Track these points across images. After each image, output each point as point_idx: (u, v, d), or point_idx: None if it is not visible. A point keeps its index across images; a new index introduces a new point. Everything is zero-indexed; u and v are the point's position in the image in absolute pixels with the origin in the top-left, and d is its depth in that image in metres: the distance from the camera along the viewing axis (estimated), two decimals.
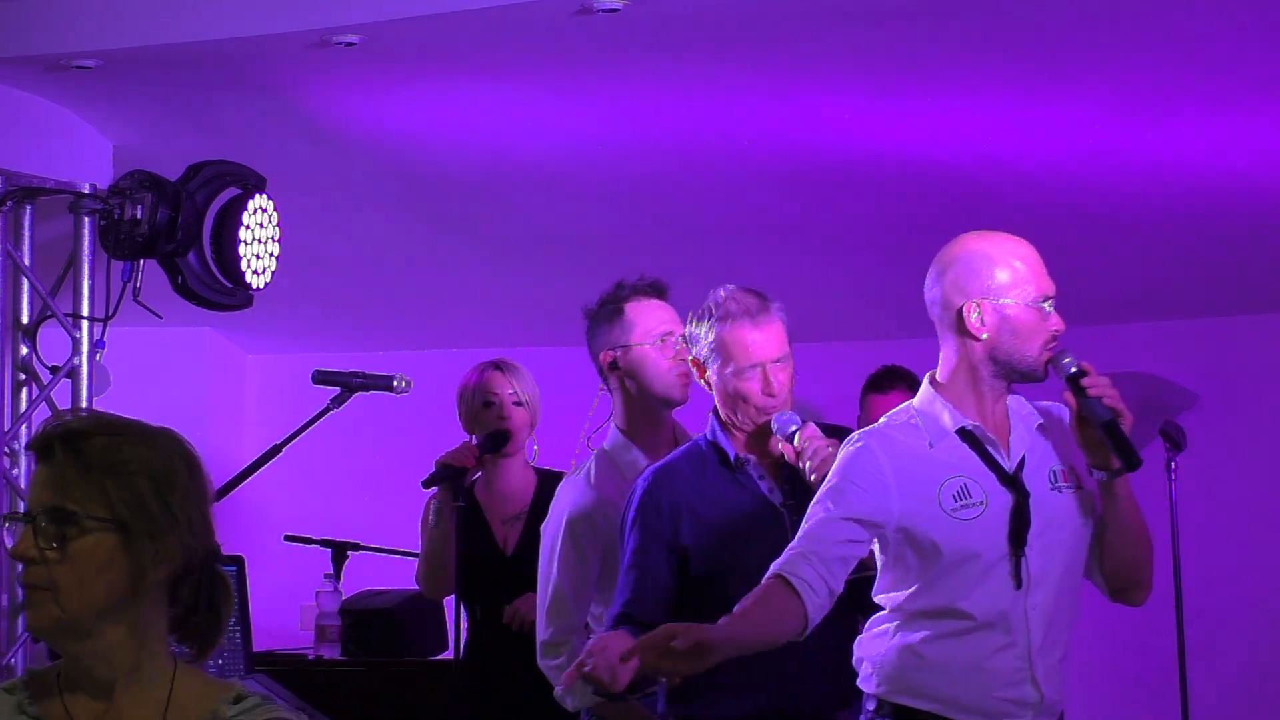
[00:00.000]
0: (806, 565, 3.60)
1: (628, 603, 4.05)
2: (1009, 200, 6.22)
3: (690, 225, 6.72)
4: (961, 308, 3.71)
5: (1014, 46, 5.01)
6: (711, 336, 4.11)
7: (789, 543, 3.69)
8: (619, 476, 4.44)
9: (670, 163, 6.08)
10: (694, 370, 4.19)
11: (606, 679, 3.58)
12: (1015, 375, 3.73)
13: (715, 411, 4.19)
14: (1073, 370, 3.64)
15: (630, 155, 6.02)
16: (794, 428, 4.08)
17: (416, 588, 5.56)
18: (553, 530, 4.49)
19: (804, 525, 3.69)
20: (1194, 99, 5.38)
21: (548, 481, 5.28)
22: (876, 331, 7.20)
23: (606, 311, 4.51)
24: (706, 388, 4.18)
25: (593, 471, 4.48)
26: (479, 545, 5.20)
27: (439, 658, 6.16)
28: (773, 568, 3.62)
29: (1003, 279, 3.70)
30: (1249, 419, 7.55)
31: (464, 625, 5.21)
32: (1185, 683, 6.68)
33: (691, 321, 4.17)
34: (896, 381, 5.96)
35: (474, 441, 5.23)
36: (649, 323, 4.46)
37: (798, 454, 4.04)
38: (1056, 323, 3.71)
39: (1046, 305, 3.71)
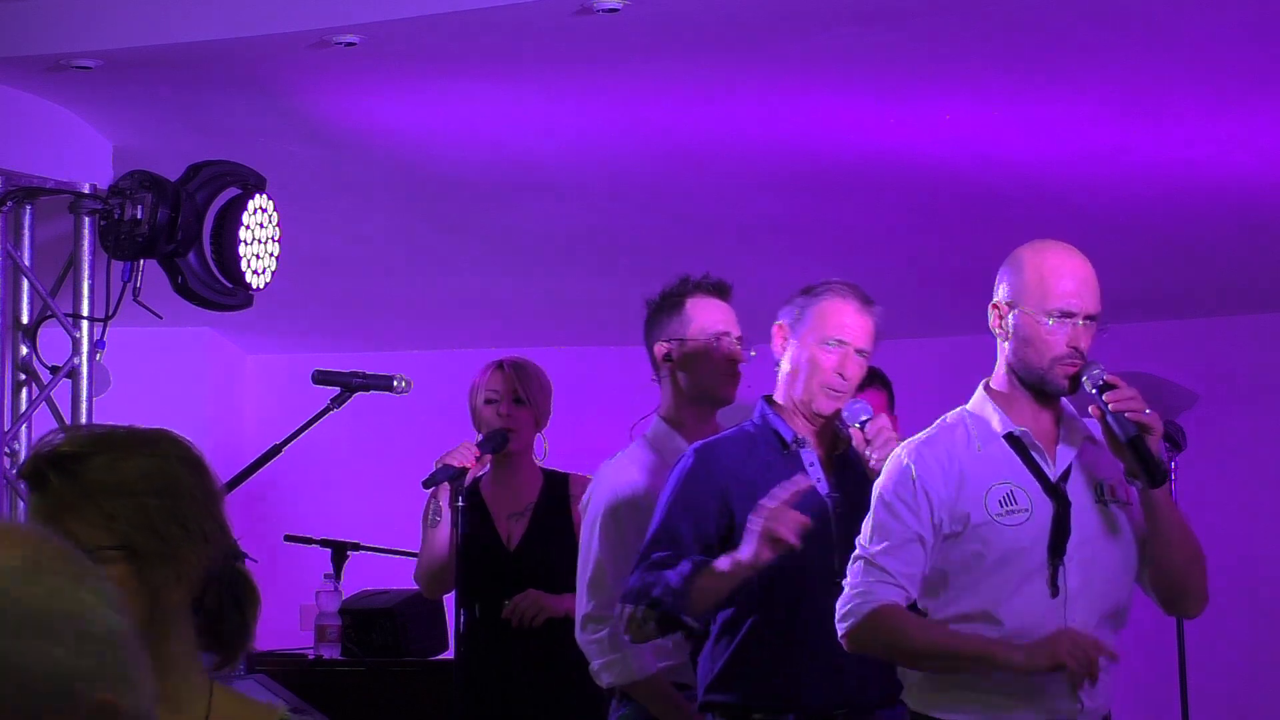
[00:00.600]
0: (897, 594, 3.65)
1: (656, 542, 4.08)
2: (1009, 200, 6.22)
3: (691, 225, 6.72)
4: (990, 309, 3.74)
5: (1014, 46, 5.01)
6: (813, 302, 4.14)
7: (829, 534, 3.74)
8: (661, 461, 4.50)
9: (670, 163, 6.08)
10: (777, 334, 4.19)
11: (787, 534, 3.76)
12: (1034, 385, 3.71)
13: (768, 399, 4.21)
14: (1098, 385, 3.63)
15: (631, 156, 6.02)
16: (865, 416, 4.12)
17: (417, 587, 5.56)
18: (594, 509, 4.56)
19: (872, 542, 3.69)
20: (1194, 99, 5.38)
21: (554, 482, 5.30)
22: (878, 331, 7.19)
23: (668, 304, 4.59)
24: (781, 352, 4.16)
25: (637, 454, 4.55)
26: (482, 540, 5.21)
27: (439, 658, 6.16)
28: (867, 602, 3.65)
29: (1021, 286, 3.70)
30: (1249, 419, 7.55)
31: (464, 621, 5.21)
32: (1185, 682, 6.68)
33: (796, 295, 4.20)
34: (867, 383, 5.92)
35: (474, 441, 5.24)
36: (707, 320, 4.54)
37: (867, 442, 4.06)
38: (1073, 339, 3.66)
39: (1055, 319, 3.66)
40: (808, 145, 5.86)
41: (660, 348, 4.57)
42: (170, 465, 2.18)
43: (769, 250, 6.76)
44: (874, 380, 5.96)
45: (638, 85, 5.39)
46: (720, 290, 4.61)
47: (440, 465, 5.06)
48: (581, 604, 4.56)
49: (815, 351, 4.13)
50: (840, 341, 4.13)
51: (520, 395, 5.30)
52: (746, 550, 3.91)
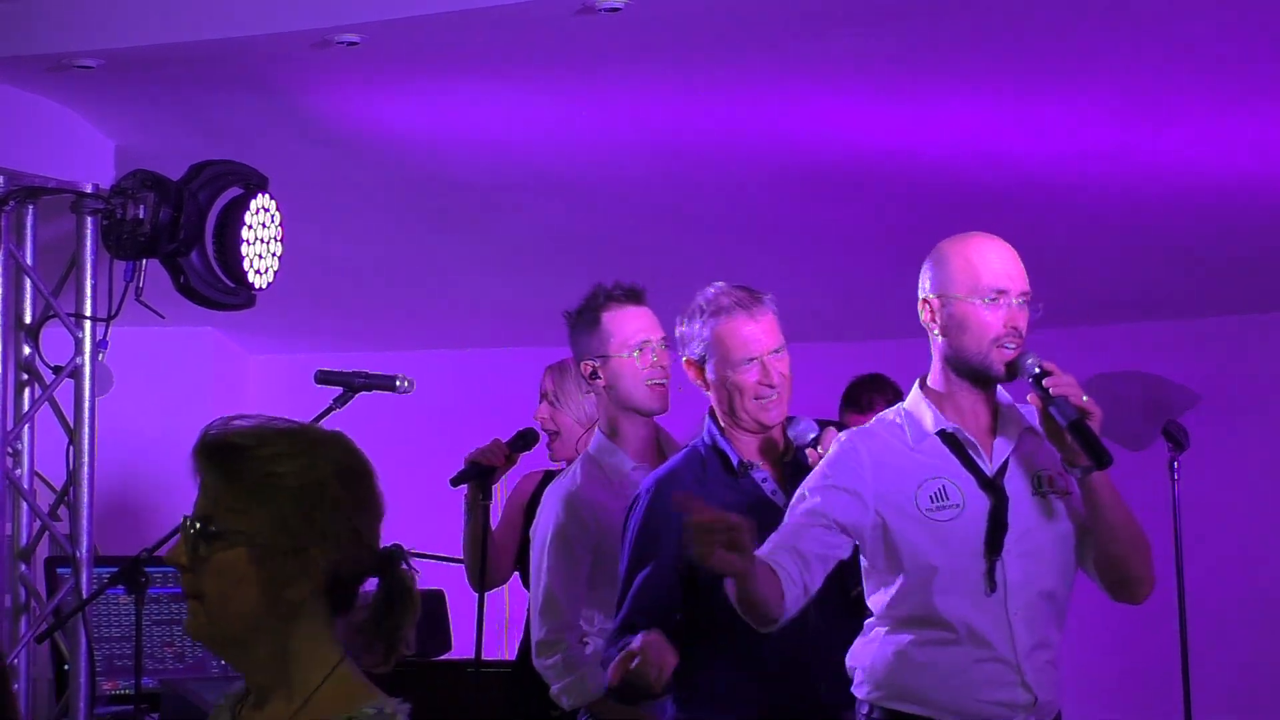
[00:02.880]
0: (788, 557, 3.63)
1: (632, 613, 4.04)
2: (1009, 200, 6.23)
3: (693, 226, 6.72)
4: (919, 304, 3.73)
5: (1014, 47, 5.02)
6: (706, 333, 4.09)
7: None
8: (604, 478, 4.47)
9: (671, 162, 6.08)
10: (689, 371, 4.16)
11: (654, 677, 3.65)
12: (972, 374, 3.71)
13: (712, 414, 4.18)
14: (1035, 371, 3.62)
15: (632, 155, 6.02)
16: (813, 435, 4.10)
17: (419, 588, 5.55)
18: (542, 532, 4.53)
19: (788, 516, 3.71)
20: (1194, 99, 5.38)
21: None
22: (877, 332, 7.20)
23: (584, 320, 4.52)
24: (703, 387, 4.16)
25: (579, 473, 4.51)
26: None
27: (440, 658, 6.16)
28: (758, 554, 3.62)
29: (951, 274, 3.69)
30: (1251, 418, 7.55)
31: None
32: (1188, 681, 6.68)
33: (682, 322, 4.15)
34: (875, 398, 5.89)
35: (504, 440, 5.22)
36: (625, 332, 4.46)
37: (822, 457, 4.04)
38: (1009, 319, 3.67)
39: (991, 299, 3.66)
40: (808, 145, 5.86)
41: (585, 366, 4.52)
42: (321, 473, 2.31)
43: (768, 249, 6.77)
44: (883, 389, 5.95)
45: (639, 85, 5.40)
46: (634, 296, 4.51)
47: (469, 463, 5.06)
48: (535, 630, 4.53)
49: (734, 378, 4.09)
50: (751, 358, 4.10)
51: (552, 397, 5.25)
52: (607, 674, 3.88)
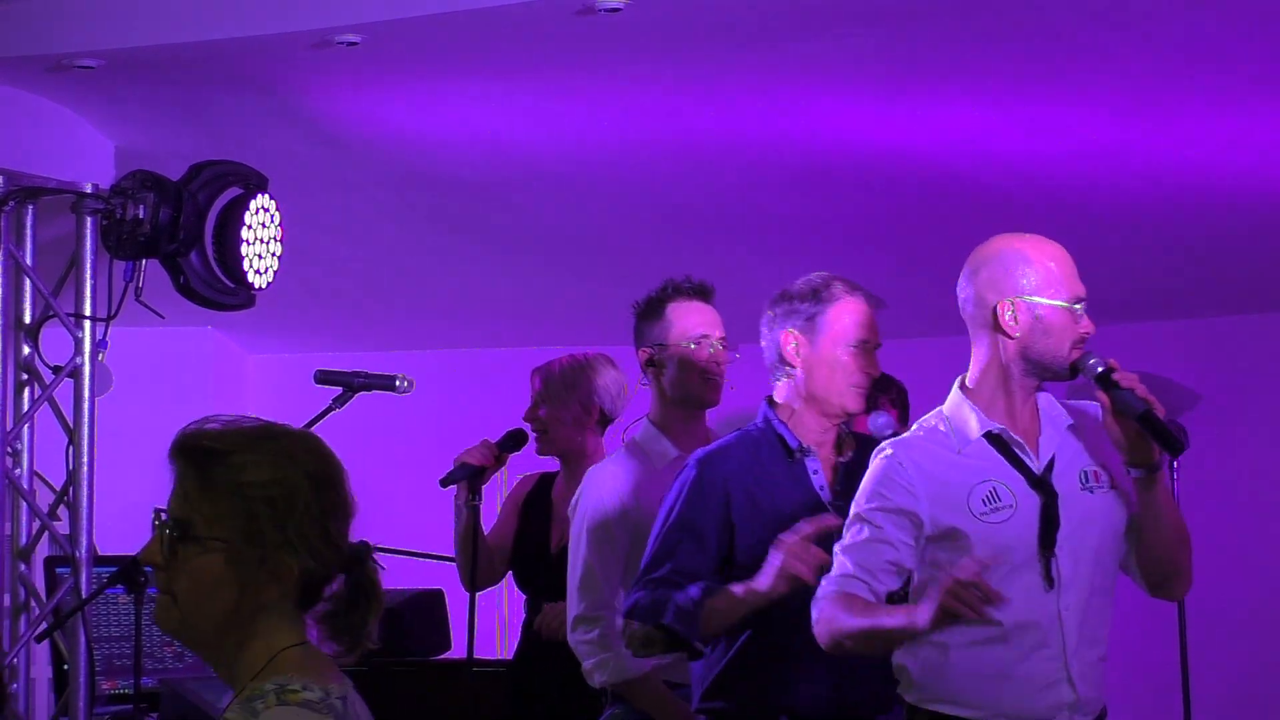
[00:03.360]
0: (861, 586, 3.66)
1: (673, 572, 4.07)
2: (1010, 200, 6.23)
3: (692, 225, 6.72)
4: (996, 306, 3.73)
5: (1015, 46, 5.02)
6: (827, 307, 4.14)
7: (832, 542, 3.74)
8: (648, 464, 4.52)
9: (672, 162, 6.08)
10: (785, 340, 4.16)
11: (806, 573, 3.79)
12: (1046, 374, 3.76)
13: (771, 401, 4.21)
14: (1100, 369, 3.66)
15: (632, 155, 6.02)
16: (890, 431, 4.15)
17: (418, 587, 5.57)
18: (582, 513, 4.57)
19: (846, 540, 3.72)
20: (1195, 99, 5.38)
21: None
22: (878, 331, 7.20)
23: (649, 310, 4.60)
24: (790, 358, 4.16)
25: (622, 458, 4.56)
26: (535, 542, 5.22)
27: (441, 658, 6.16)
28: (821, 599, 3.67)
29: (1037, 278, 3.72)
30: (1251, 419, 7.55)
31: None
32: (1187, 681, 6.68)
33: (784, 298, 4.18)
34: (879, 396, 5.89)
35: (493, 440, 5.24)
36: (687, 324, 4.53)
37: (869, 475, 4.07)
38: (1087, 325, 3.73)
39: (1078, 307, 3.72)
40: (808, 145, 5.86)
41: (643, 353, 4.58)
42: (293, 478, 2.35)
43: (769, 249, 6.77)
44: (887, 388, 5.96)
45: (639, 85, 5.39)
46: (701, 292, 4.60)
47: (459, 464, 5.07)
48: (572, 606, 4.57)
49: (840, 353, 4.14)
50: (863, 341, 4.15)
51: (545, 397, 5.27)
52: (763, 581, 3.95)
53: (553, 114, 5.66)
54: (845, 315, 4.15)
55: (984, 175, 6.08)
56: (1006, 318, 3.73)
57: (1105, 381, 3.66)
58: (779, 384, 4.22)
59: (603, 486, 4.55)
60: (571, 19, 4.70)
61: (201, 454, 2.35)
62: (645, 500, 4.40)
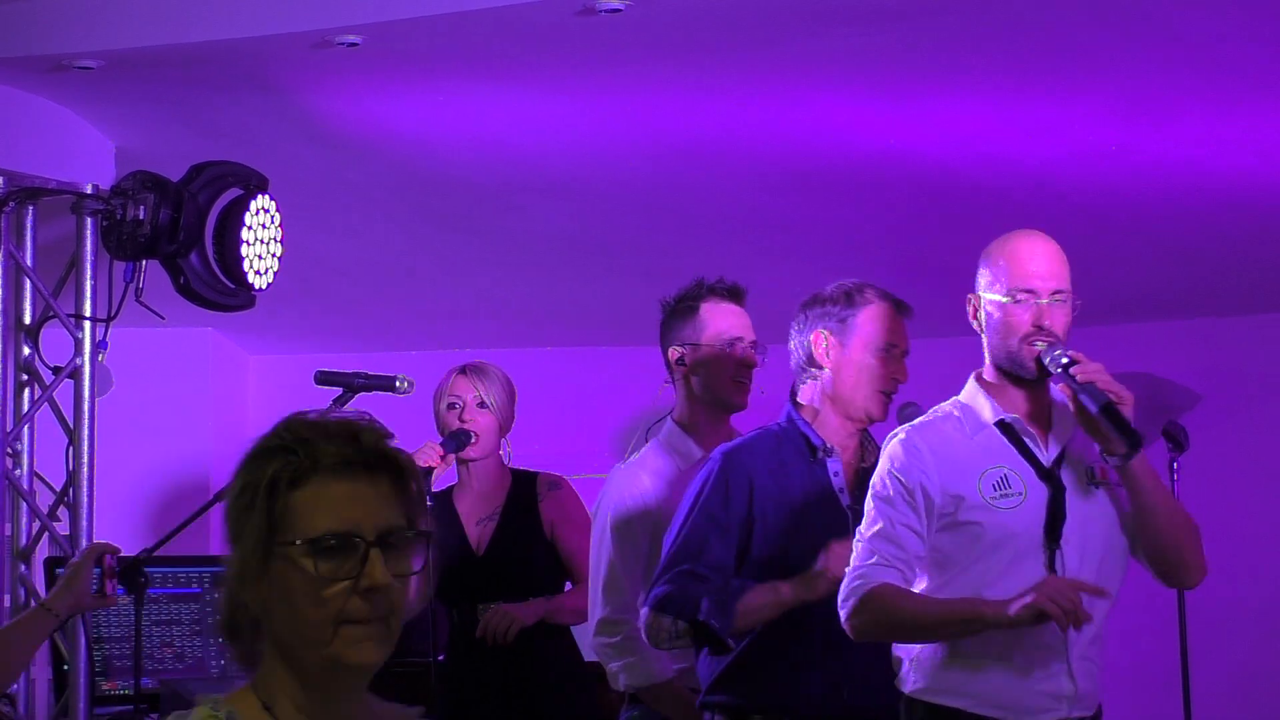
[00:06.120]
0: (896, 575, 3.68)
1: (698, 565, 4.10)
2: (1010, 200, 6.23)
3: (693, 226, 6.72)
4: (968, 304, 3.79)
5: (1015, 46, 5.01)
6: (859, 311, 4.18)
7: (848, 545, 3.77)
8: (673, 464, 4.52)
9: (671, 163, 6.08)
10: (816, 341, 4.19)
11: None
12: (1008, 370, 3.77)
13: (794, 400, 4.23)
14: (1062, 362, 3.67)
15: (632, 156, 6.02)
16: (920, 418, 4.16)
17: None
18: (605, 512, 4.58)
19: (868, 529, 3.73)
20: (1195, 99, 5.38)
21: (522, 482, 5.33)
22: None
23: (682, 308, 4.60)
24: (821, 358, 4.18)
25: (650, 457, 4.55)
26: (452, 547, 5.23)
27: (441, 658, 6.16)
28: (864, 585, 3.69)
29: (990, 275, 3.79)
30: (1251, 419, 7.55)
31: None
32: (1188, 682, 6.68)
33: (816, 300, 4.20)
34: None
35: (438, 441, 5.28)
36: (721, 325, 4.54)
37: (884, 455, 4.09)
38: (1037, 315, 3.71)
39: (1023, 298, 3.71)
40: (808, 145, 5.86)
41: (674, 352, 4.58)
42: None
43: (770, 250, 6.76)
44: None
45: (639, 85, 5.39)
46: (735, 294, 4.61)
47: None
48: (596, 608, 4.57)
49: (869, 358, 4.16)
50: (893, 346, 4.18)
51: (484, 400, 5.31)
52: (802, 587, 3.98)
53: (553, 114, 5.66)
54: (876, 319, 4.18)
55: (985, 175, 6.07)
56: (970, 316, 3.79)
57: (1066, 376, 3.67)
58: (804, 385, 4.23)
59: (629, 487, 4.55)
60: (572, 19, 4.70)
61: (381, 450, 2.12)
62: (670, 502, 4.41)
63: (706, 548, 4.12)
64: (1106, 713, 3.94)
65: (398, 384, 5.24)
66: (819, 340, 4.19)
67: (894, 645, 3.84)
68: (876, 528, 3.73)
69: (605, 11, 4.62)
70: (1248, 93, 5.31)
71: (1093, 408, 3.63)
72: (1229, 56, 5.05)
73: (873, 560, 3.70)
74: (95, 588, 4.26)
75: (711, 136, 5.80)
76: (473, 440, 5.27)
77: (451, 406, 5.33)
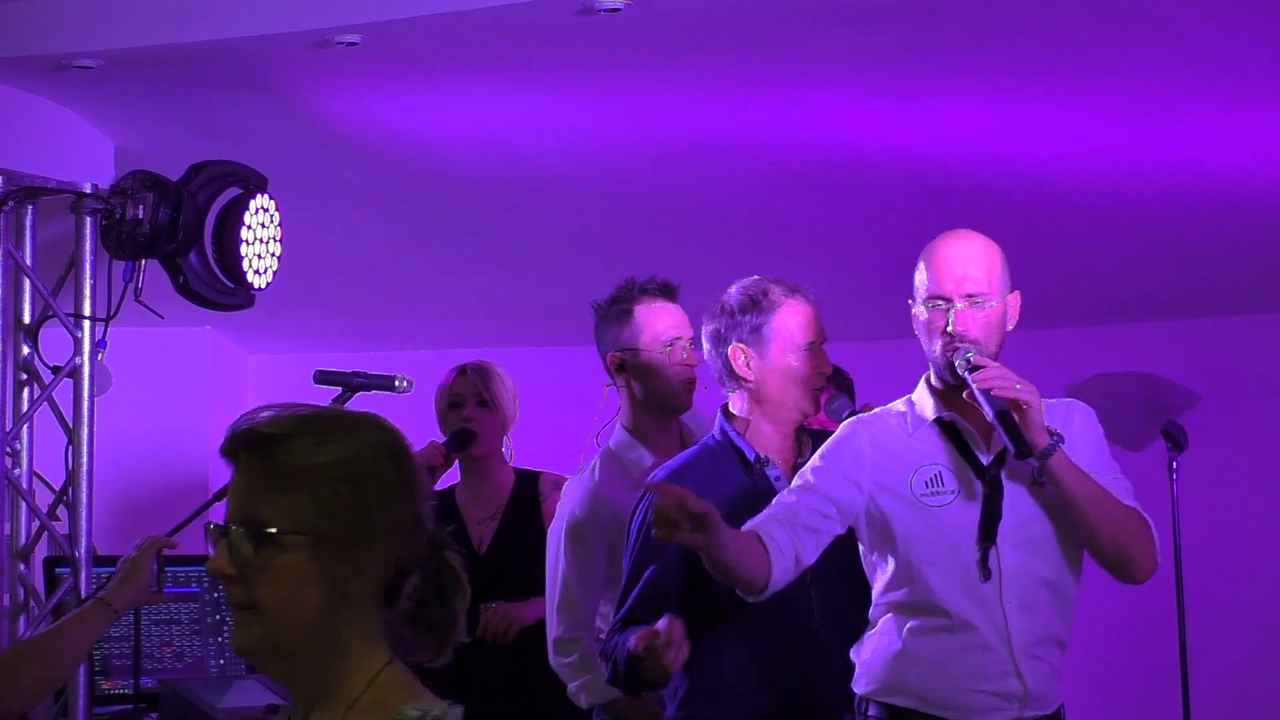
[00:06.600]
0: (779, 529, 3.68)
1: (635, 606, 4.04)
2: (1010, 200, 6.23)
3: (693, 226, 6.72)
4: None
5: (1015, 46, 5.01)
6: (769, 316, 4.10)
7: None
8: (624, 474, 4.46)
9: (673, 163, 6.08)
10: (735, 355, 4.11)
11: (670, 658, 3.70)
12: (942, 376, 3.79)
13: (726, 411, 4.18)
14: (966, 369, 3.69)
15: (632, 156, 6.02)
16: (848, 411, 4.17)
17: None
18: (559, 528, 4.52)
19: (781, 494, 3.77)
20: (1195, 99, 5.38)
21: (525, 481, 5.32)
22: (879, 331, 7.20)
23: (615, 312, 4.51)
24: (742, 372, 4.12)
25: (598, 469, 4.50)
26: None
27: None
28: (747, 525, 3.67)
29: (916, 281, 3.80)
30: (1251, 419, 7.55)
31: None
32: (1187, 681, 6.69)
33: (724, 312, 4.14)
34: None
35: (440, 441, 5.28)
36: (657, 327, 4.47)
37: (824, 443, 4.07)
38: (946, 322, 3.72)
39: (929, 307, 3.73)
40: (808, 145, 5.86)
41: (613, 358, 4.50)
42: (366, 453, 2.15)
43: (770, 250, 6.76)
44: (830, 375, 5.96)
45: (639, 85, 5.39)
46: (668, 292, 4.52)
47: None
48: (552, 627, 4.52)
49: (792, 361, 4.09)
50: (812, 343, 4.11)
51: (485, 398, 5.31)
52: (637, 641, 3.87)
53: (553, 114, 5.66)
54: (790, 320, 4.10)
55: (985, 175, 6.08)
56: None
57: (971, 382, 3.69)
58: (733, 395, 4.17)
59: (580, 499, 4.50)
60: (571, 19, 4.70)
61: (262, 442, 2.12)
62: (623, 512, 4.36)
63: (642, 585, 4.04)
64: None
65: (397, 383, 5.24)
66: (737, 355, 4.09)
67: (853, 649, 3.86)
68: (791, 490, 3.79)
69: (604, 11, 4.62)
70: (1248, 93, 5.31)
71: (989, 414, 3.65)
72: (1229, 56, 5.05)
73: (770, 514, 3.75)
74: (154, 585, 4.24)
75: (711, 136, 5.80)
76: (475, 439, 5.26)
77: (454, 405, 5.33)
